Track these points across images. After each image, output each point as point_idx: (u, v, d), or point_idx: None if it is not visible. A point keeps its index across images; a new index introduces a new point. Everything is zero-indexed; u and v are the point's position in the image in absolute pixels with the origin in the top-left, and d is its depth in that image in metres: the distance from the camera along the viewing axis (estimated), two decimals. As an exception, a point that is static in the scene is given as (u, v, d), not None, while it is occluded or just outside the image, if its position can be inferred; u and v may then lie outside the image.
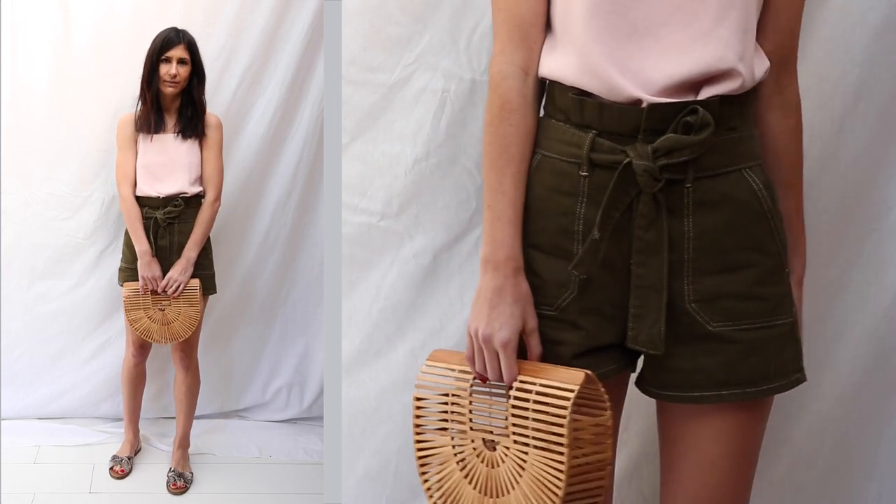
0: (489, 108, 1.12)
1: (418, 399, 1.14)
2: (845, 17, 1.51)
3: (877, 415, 1.70)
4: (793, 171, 1.22)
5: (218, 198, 2.28)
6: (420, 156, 1.59)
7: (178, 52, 2.17)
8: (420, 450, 1.14)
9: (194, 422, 2.52)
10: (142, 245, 2.20)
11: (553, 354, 1.12)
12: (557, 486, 1.03)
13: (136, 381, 2.38)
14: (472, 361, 1.11)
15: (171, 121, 2.23)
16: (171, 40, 2.18)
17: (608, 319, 1.13)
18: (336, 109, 1.59)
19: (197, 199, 2.26)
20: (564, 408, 1.02)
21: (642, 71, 1.07)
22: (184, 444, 2.39)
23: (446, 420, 1.12)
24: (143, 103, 2.21)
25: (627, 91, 1.06)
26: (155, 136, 2.21)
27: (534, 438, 1.05)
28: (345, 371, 1.68)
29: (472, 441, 1.11)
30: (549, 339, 1.12)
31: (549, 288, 1.13)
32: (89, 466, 2.37)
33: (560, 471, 1.03)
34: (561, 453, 1.03)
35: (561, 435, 1.02)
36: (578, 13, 1.06)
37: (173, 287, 2.20)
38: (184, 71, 2.19)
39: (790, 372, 1.17)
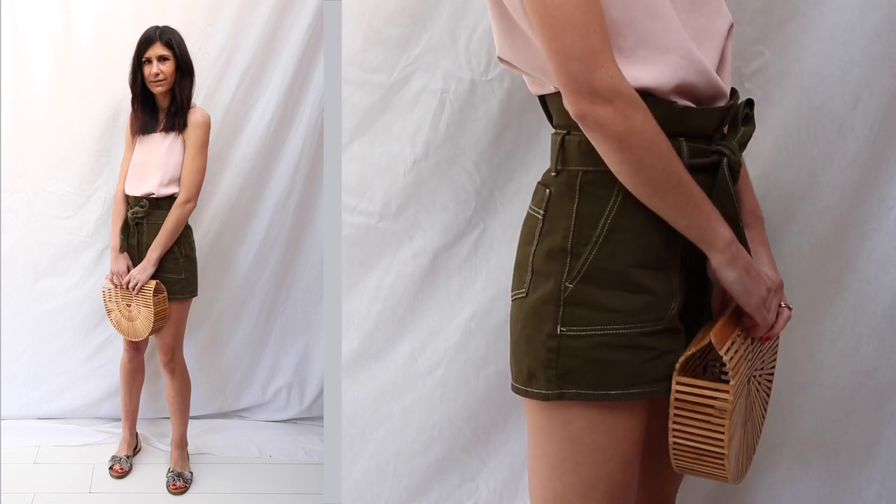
0: (646, 123, 1.02)
1: (736, 385, 1.09)
2: (845, 17, 1.51)
3: (877, 415, 1.70)
4: None
5: (191, 199, 2.22)
6: (419, 156, 1.58)
7: (156, 50, 2.16)
8: (730, 435, 1.11)
9: (194, 422, 2.52)
10: (113, 241, 2.25)
11: (666, 364, 1.11)
12: (773, 366, 1.30)
13: (132, 376, 2.37)
14: (764, 326, 1.14)
15: (163, 119, 2.22)
16: (148, 39, 2.16)
17: (695, 319, 1.17)
18: (336, 109, 1.59)
19: (171, 200, 2.22)
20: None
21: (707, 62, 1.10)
22: (181, 444, 2.39)
23: (742, 387, 1.14)
24: (133, 105, 2.22)
25: (719, 82, 1.10)
26: (146, 137, 2.21)
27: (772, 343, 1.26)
28: (343, 372, 1.68)
29: (743, 387, 1.17)
30: (664, 352, 1.11)
31: (661, 302, 1.12)
32: (89, 466, 2.37)
33: (776, 352, 1.29)
34: (778, 336, 1.24)
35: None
36: (663, 11, 1.04)
37: (132, 284, 2.20)
38: (167, 68, 2.16)
39: None
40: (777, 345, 1.29)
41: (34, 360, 2.62)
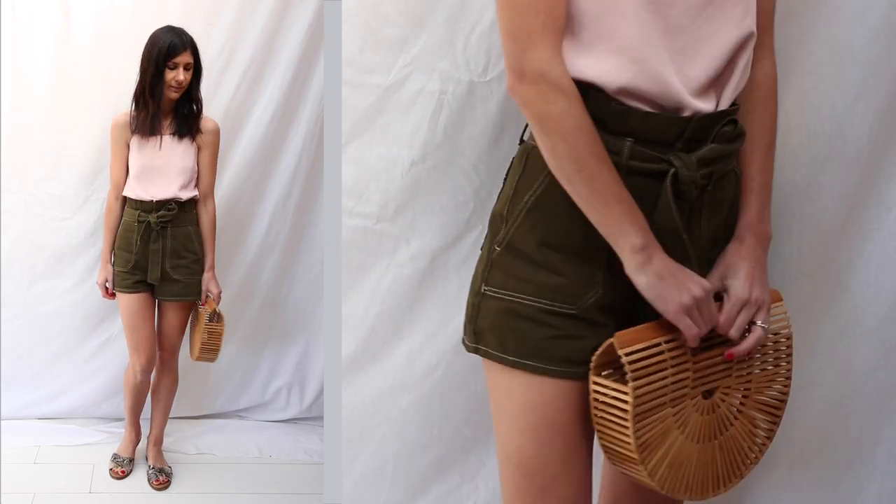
0: (567, 112, 1.04)
1: (639, 388, 1.08)
2: (845, 17, 1.50)
3: (877, 416, 1.70)
4: (762, 146, 1.21)
5: (212, 200, 2.29)
6: (417, 158, 1.58)
7: (185, 57, 2.13)
8: (640, 437, 1.09)
9: (194, 422, 2.53)
10: (107, 250, 2.24)
11: (574, 349, 1.14)
12: (785, 393, 1.23)
13: (142, 390, 2.36)
14: (696, 333, 1.09)
15: (166, 121, 2.20)
16: (176, 46, 2.12)
17: (624, 316, 1.15)
18: (336, 110, 1.59)
19: (191, 203, 2.25)
20: (788, 320, 1.21)
21: (682, 69, 1.08)
22: (159, 441, 2.41)
23: (665, 394, 1.11)
24: (143, 108, 2.16)
25: (679, 95, 1.07)
26: (150, 139, 2.18)
27: (758, 363, 1.19)
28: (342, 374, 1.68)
29: (692, 399, 1.14)
30: (569, 336, 1.14)
31: (573, 287, 1.14)
32: (89, 466, 2.38)
33: (788, 378, 1.23)
34: (790, 362, 1.22)
35: (789, 346, 1.21)
36: (628, 13, 1.04)
37: (215, 298, 2.25)
38: (189, 75, 2.16)
39: None
40: (781, 372, 1.23)
41: (33, 362, 2.62)
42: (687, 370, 1.12)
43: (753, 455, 1.23)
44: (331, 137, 1.62)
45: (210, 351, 2.27)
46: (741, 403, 1.19)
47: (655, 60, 1.06)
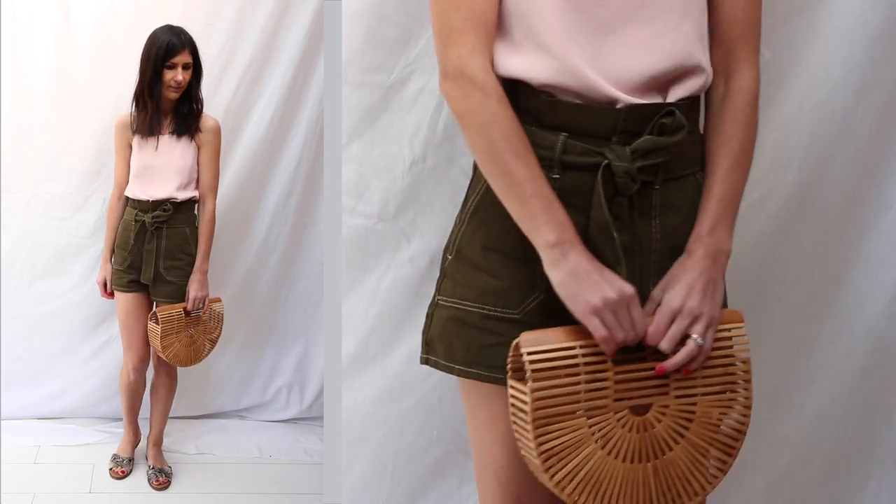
0: (482, 106, 1.06)
1: (538, 391, 1.03)
2: (845, 17, 1.51)
3: (875, 413, 1.70)
4: (727, 157, 1.13)
5: (213, 201, 2.27)
6: (417, 158, 1.58)
7: (183, 57, 2.12)
8: (542, 444, 1.04)
9: (195, 422, 2.53)
10: (108, 249, 2.26)
11: None
12: (743, 423, 1.11)
13: (137, 389, 2.36)
14: (605, 336, 1.03)
15: (165, 120, 2.19)
16: (174, 45, 2.11)
17: (570, 321, 1.10)
18: (336, 110, 1.59)
19: (189, 203, 2.24)
20: (746, 344, 1.11)
21: (613, 70, 1.07)
22: (159, 441, 2.41)
23: (578, 402, 1.05)
24: (143, 108, 2.16)
25: (605, 90, 1.07)
26: (149, 139, 2.18)
27: (705, 385, 1.09)
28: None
29: (616, 413, 1.07)
30: (508, 340, 1.09)
31: (511, 291, 1.13)
32: (89, 466, 2.38)
33: (747, 406, 1.11)
34: (748, 388, 1.10)
35: (747, 371, 1.11)
36: (548, 12, 1.06)
37: (199, 305, 2.23)
38: (188, 75, 2.15)
39: None
40: (738, 399, 1.12)
41: (33, 362, 2.62)
42: (606, 380, 1.06)
43: (699, 485, 1.12)
44: (331, 137, 1.62)
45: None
46: (683, 427, 1.10)
47: (576, 59, 1.06)
